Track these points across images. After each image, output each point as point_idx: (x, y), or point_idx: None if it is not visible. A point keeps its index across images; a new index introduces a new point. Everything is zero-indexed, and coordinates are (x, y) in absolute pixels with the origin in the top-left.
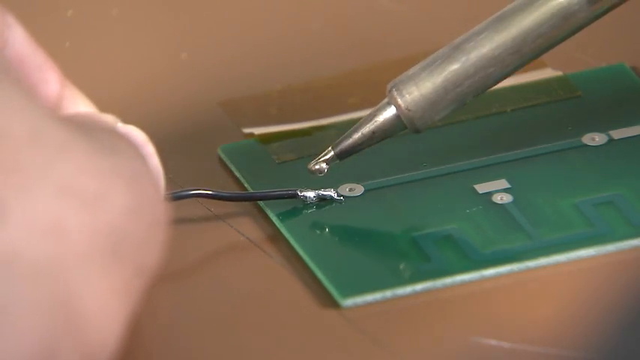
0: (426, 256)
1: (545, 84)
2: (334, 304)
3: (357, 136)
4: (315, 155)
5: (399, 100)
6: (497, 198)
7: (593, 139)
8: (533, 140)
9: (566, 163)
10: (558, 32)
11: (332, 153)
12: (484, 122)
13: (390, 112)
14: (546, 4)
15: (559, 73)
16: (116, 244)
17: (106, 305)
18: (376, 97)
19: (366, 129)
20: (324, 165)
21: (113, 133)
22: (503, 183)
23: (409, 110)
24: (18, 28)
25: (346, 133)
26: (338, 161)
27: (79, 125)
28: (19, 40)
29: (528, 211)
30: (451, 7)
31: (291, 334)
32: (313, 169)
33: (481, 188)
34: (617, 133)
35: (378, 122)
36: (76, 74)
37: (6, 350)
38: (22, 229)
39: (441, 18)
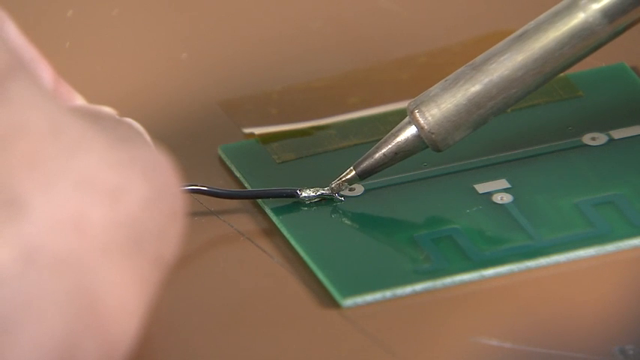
0: (426, 256)
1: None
2: (334, 304)
3: (378, 156)
4: (315, 155)
5: (421, 121)
6: (497, 198)
7: (594, 139)
8: (533, 140)
9: (566, 163)
10: (579, 51)
11: (353, 173)
12: None
13: (411, 131)
14: (567, 24)
15: None
16: (136, 235)
17: (126, 297)
18: (376, 97)
19: (388, 149)
20: (346, 184)
21: (121, 124)
22: (503, 183)
23: (432, 132)
24: (9, 22)
25: (367, 153)
26: (359, 181)
27: (92, 118)
28: (11, 35)
29: (528, 211)
30: (451, 7)
31: (291, 334)
32: (334, 188)
33: (481, 188)
34: (617, 133)
35: (400, 143)
36: (76, 74)
37: (30, 345)
38: (44, 223)
39: (440, 18)
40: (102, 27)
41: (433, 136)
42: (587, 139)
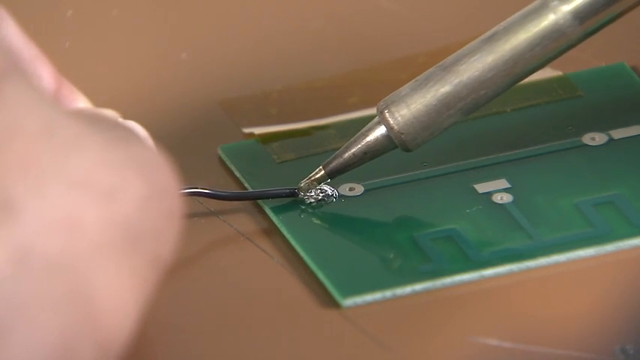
0: (426, 256)
1: (545, 84)
2: (334, 304)
3: (347, 155)
4: (315, 155)
5: (390, 121)
6: (497, 198)
7: (593, 139)
8: (533, 140)
9: (566, 163)
10: (550, 52)
11: (322, 172)
12: (484, 122)
13: (380, 131)
14: (538, 25)
15: (559, 73)
16: (132, 235)
17: (121, 297)
18: (376, 97)
19: (358, 149)
20: (315, 184)
21: (120, 125)
22: (503, 183)
23: (401, 133)
24: (10, 20)
25: (337, 153)
26: (329, 180)
27: (89, 119)
28: (11, 33)
29: (528, 211)
30: (451, 7)
31: (291, 334)
32: (304, 187)
33: (481, 188)
34: (617, 133)
35: (369, 142)
36: (76, 74)
37: (24, 347)
38: (37, 224)
39: (440, 18)
40: (101, 27)
41: (402, 136)
42: (587, 139)
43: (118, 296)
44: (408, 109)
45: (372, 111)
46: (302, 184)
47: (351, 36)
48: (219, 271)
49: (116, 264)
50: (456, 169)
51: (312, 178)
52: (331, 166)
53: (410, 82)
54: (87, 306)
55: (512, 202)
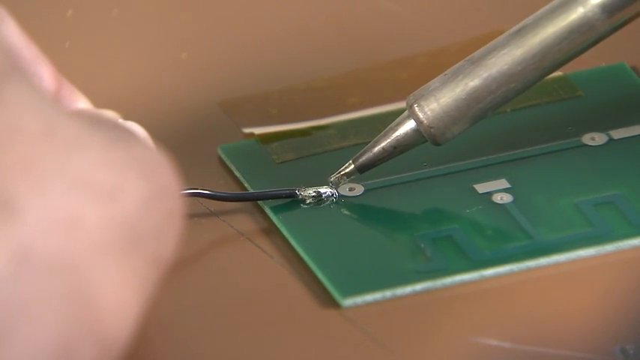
0: (426, 256)
1: (545, 84)
2: (334, 304)
3: (377, 150)
4: (315, 155)
5: (420, 115)
6: (497, 198)
7: (593, 139)
8: (533, 140)
9: (566, 163)
10: (578, 46)
11: (352, 167)
12: (484, 122)
13: (410, 126)
14: (566, 19)
15: (559, 73)
16: (133, 235)
17: (122, 297)
18: (376, 97)
19: (387, 144)
20: (345, 178)
21: (120, 126)
22: (503, 183)
23: (431, 127)
24: (9, 20)
25: (366, 147)
26: (358, 175)
27: (89, 119)
28: (11, 33)
29: (528, 211)
30: (451, 7)
31: (291, 334)
32: (334, 182)
33: (481, 188)
34: (617, 133)
35: (399, 137)
36: (76, 74)
37: (25, 347)
38: (38, 224)
39: (440, 18)
40: (101, 27)
41: (432, 130)
42: (586, 139)
43: (119, 296)
44: (437, 103)
45: (372, 111)
46: (332, 178)
47: (351, 36)
48: (219, 271)
49: (117, 264)
50: (456, 169)
51: (342, 172)
52: (361, 160)
53: (439, 76)
54: (87, 306)
55: (512, 202)
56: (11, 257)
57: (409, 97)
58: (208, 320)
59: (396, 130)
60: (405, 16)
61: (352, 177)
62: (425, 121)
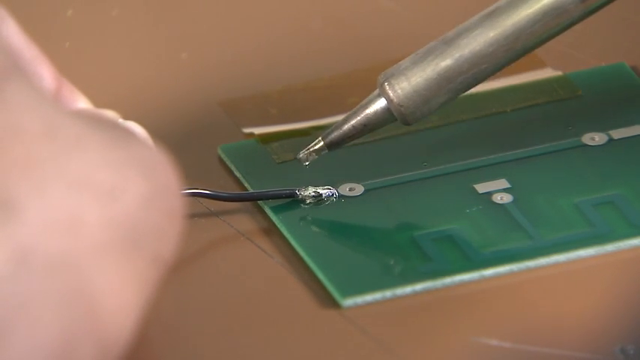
0: (426, 256)
1: (545, 84)
2: (334, 304)
3: (347, 127)
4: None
5: (390, 93)
6: (497, 198)
7: (593, 139)
8: (533, 140)
9: (566, 163)
10: (551, 29)
11: (322, 143)
12: (484, 122)
13: (380, 104)
14: (539, 2)
15: (559, 72)
16: (133, 234)
17: (122, 297)
18: None
19: (357, 121)
20: (314, 155)
21: (120, 126)
22: (503, 183)
23: (401, 105)
24: (9, 20)
25: (336, 124)
26: (327, 151)
27: (89, 119)
28: (11, 33)
29: (528, 211)
30: (451, 8)
31: (291, 334)
32: (302, 158)
33: (481, 188)
34: (617, 133)
35: (369, 115)
36: (76, 74)
37: (25, 347)
38: (38, 224)
39: (440, 18)
40: (102, 27)
41: (402, 109)
42: (586, 138)
43: (119, 296)
44: (408, 82)
45: None
46: (301, 155)
47: (351, 36)
48: (219, 271)
49: (117, 263)
50: (456, 169)
51: (311, 149)
52: (330, 137)
53: (410, 56)
54: (88, 306)
55: (512, 202)
56: (11, 257)
57: (380, 76)
58: (208, 320)
59: (367, 108)
60: (405, 16)
61: (322, 153)
62: (395, 100)
